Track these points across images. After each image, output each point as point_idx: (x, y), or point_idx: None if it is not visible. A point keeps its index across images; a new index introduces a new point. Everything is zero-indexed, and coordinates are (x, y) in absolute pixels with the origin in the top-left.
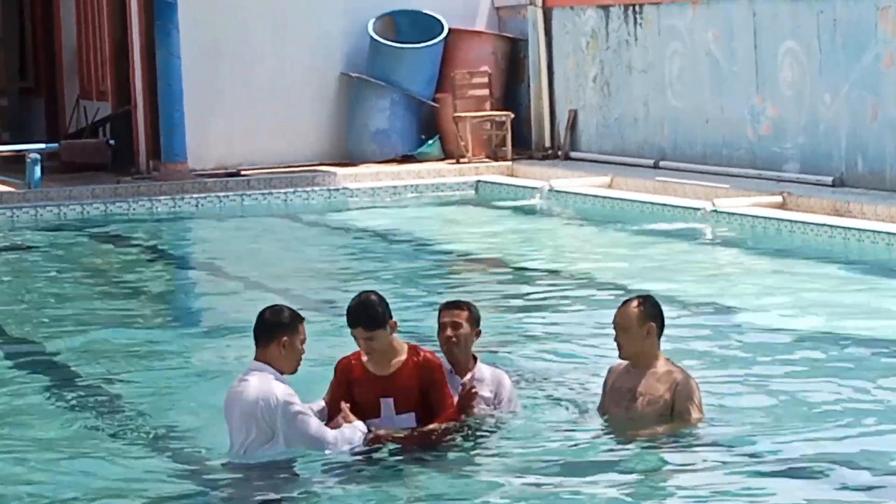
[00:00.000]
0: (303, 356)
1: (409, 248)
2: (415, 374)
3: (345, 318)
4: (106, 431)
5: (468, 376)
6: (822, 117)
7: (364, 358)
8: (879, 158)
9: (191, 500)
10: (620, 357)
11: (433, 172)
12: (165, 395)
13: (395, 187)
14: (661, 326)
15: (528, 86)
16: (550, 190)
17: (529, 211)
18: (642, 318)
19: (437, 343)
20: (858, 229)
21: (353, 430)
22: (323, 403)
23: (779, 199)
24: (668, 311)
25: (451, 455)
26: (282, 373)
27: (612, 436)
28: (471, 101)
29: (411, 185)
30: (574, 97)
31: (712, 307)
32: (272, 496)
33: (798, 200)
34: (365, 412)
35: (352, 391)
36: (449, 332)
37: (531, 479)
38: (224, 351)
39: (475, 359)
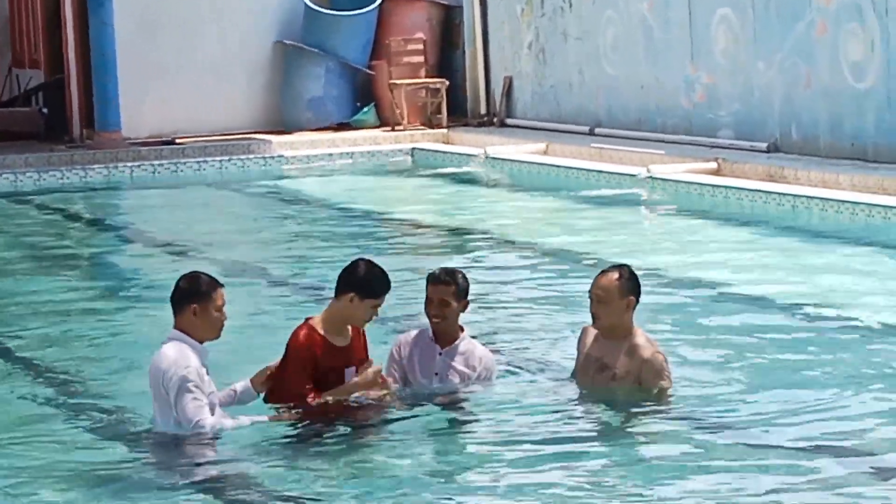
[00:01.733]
0: (223, 322)
1: (345, 215)
2: (360, 337)
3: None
4: (39, 401)
5: (451, 346)
6: (757, 85)
7: (321, 331)
8: (813, 125)
9: (116, 468)
10: (595, 327)
11: (369, 140)
12: (99, 365)
13: (330, 155)
14: (638, 299)
15: (464, 53)
16: (486, 157)
17: (465, 178)
18: (623, 291)
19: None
20: (792, 195)
21: (236, 422)
22: (247, 384)
23: (713, 165)
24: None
25: (401, 426)
26: (200, 341)
27: (582, 406)
28: (406, 69)
29: (346, 153)
30: (509, 64)
31: (648, 272)
32: (210, 470)
33: (732, 166)
34: (331, 383)
35: (320, 366)
36: (435, 309)
37: (499, 450)
38: (159, 321)
39: (462, 329)
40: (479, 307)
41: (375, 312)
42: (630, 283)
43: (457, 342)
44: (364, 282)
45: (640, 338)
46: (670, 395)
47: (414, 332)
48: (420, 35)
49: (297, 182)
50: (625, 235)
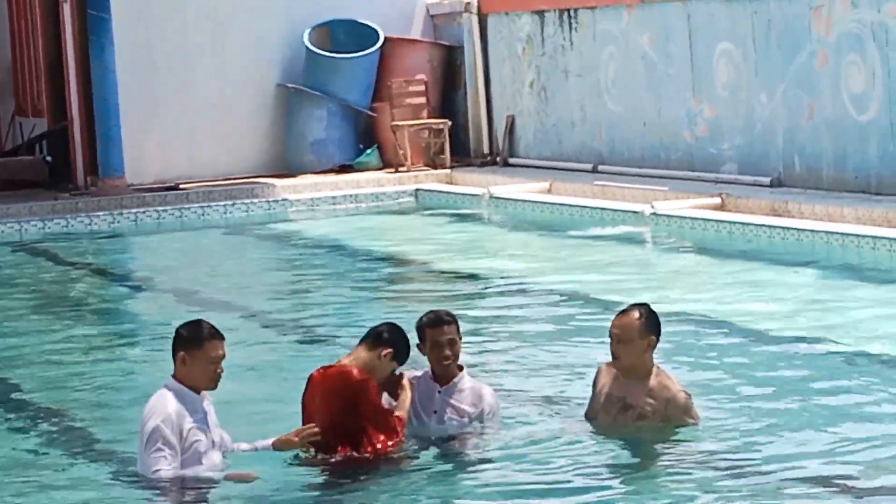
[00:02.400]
0: (218, 373)
1: (351, 258)
2: None
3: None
4: (47, 453)
5: (450, 384)
6: (759, 118)
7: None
8: (816, 157)
9: None
10: (616, 367)
11: (372, 182)
12: (103, 410)
13: (334, 197)
14: (659, 338)
15: (465, 93)
16: (490, 197)
17: (470, 218)
18: (644, 331)
19: (427, 357)
20: (797, 229)
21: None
22: (267, 444)
23: (717, 200)
24: (609, 314)
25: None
26: (195, 390)
27: (602, 444)
28: (408, 110)
29: (350, 195)
30: (511, 103)
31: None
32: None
33: (737, 201)
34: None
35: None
36: (447, 351)
37: (519, 490)
38: (165, 367)
39: (461, 368)
40: (487, 347)
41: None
42: (650, 322)
43: (455, 380)
44: (404, 344)
45: (663, 376)
46: (693, 435)
47: (417, 373)
48: (421, 76)
49: (301, 225)
50: (631, 273)
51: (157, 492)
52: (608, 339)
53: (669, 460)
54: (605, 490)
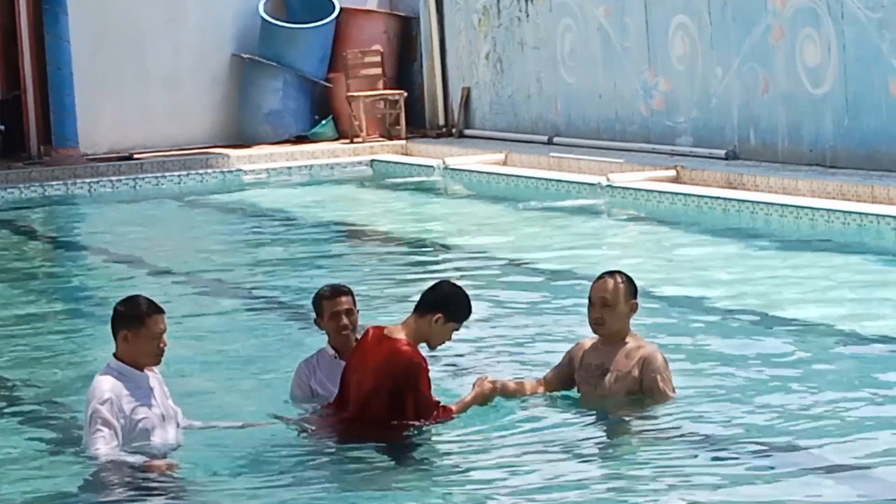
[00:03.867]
0: (161, 348)
1: (306, 229)
2: None
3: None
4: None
5: None
6: (714, 91)
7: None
8: (771, 131)
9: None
10: (599, 333)
11: (327, 153)
12: (53, 381)
13: (289, 168)
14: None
15: (421, 64)
16: (445, 168)
17: (425, 189)
18: (627, 295)
19: (326, 330)
20: (752, 201)
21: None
22: (237, 424)
23: (673, 172)
24: (567, 288)
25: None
26: (139, 367)
27: (582, 416)
28: (364, 81)
29: (306, 166)
30: (467, 75)
31: None
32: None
33: (692, 174)
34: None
35: None
36: (345, 320)
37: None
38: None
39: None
40: None
41: (450, 337)
42: (631, 286)
43: None
44: (453, 305)
45: (637, 339)
46: (669, 405)
47: (311, 356)
48: (377, 47)
49: (256, 195)
50: (586, 245)
51: (95, 469)
52: (580, 312)
53: (646, 437)
54: (584, 464)
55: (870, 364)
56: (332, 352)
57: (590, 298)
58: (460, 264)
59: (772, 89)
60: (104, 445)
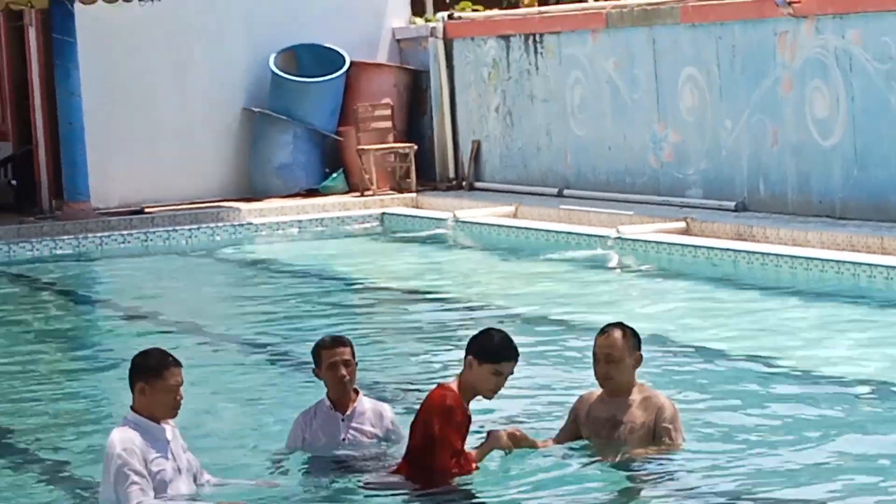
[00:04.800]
0: (178, 401)
1: (317, 282)
2: None
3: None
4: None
5: (350, 409)
6: (724, 143)
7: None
8: (781, 182)
9: None
10: (606, 388)
11: (338, 206)
12: (68, 437)
13: (300, 221)
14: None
15: (431, 117)
16: (456, 220)
17: (436, 242)
18: (632, 348)
19: (324, 380)
20: (762, 253)
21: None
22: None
23: (682, 224)
24: (578, 340)
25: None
26: (155, 420)
27: (597, 466)
28: (374, 134)
29: (316, 219)
30: (477, 127)
31: None
32: None
33: (702, 226)
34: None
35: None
36: (343, 371)
37: None
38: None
39: (356, 392)
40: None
41: (500, 382)
42: (635, 339)
43: (355, 404)
44: (480, 344)
45: (645, 389)
46: (679, 452)
47: (310, 407)
48: (387, 100)
49: (267, 249)
50: (597, 297)
51: None
52: (590, 362)
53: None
54: None
55: (871, 413)
56: (328, 403)
57: (595, 354)
58: (470, 317)
59: (781, 140)
60: (144, 496)
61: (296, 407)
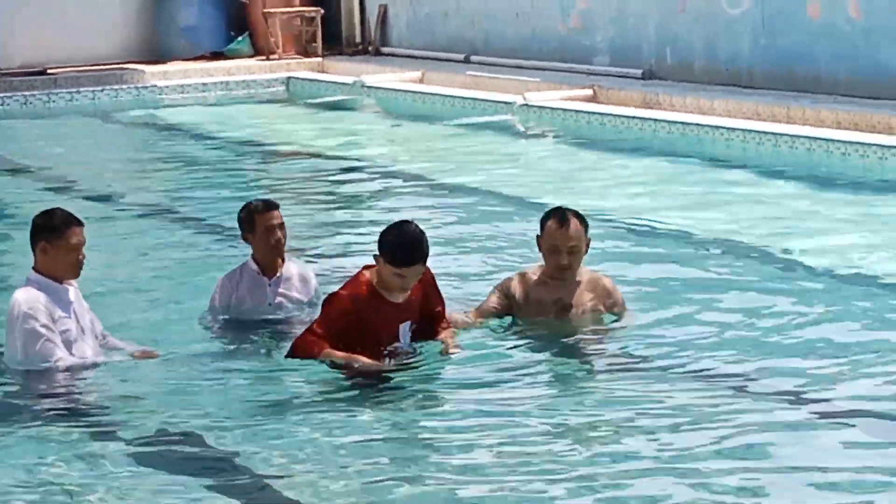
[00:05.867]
0: (80, 261)
1: (221, 145)
2: (419, 289)
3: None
4: None
5: (277, 274)
6: (631, 10)
7: (380, 288)
8: (688, 50)
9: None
10: (564, 278)
11: (243, 69)
12: None
13: (204, 84)
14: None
15: None
16: (362, 85)
17: (341, 106)
18: (586, 235)
19: (254, 244)
20: (668, 121)
21: (85, 361)
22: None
23: (589, 91)
24: (481, 204)
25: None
26: (58, 280)
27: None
28: None
29: (221, 83)
30: None
31: (529, 201)
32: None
33: (608, 93)
34: (383, 340)
35: (368, 322)
36: (279, 234)
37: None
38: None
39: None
40: (361, 239)
41: (406, 283)
42: (585, 223)
43: (282, 270)
44: (389, 244)
45: (587, 270)
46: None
47: (234, 270)
48: None
49: (171, 112)
50: (502, 163)
51: (73, 378)
52: (499, 228)
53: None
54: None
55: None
56: (255, 267)
57: (554, 245)
58: (375, 183)
59: (689, 8)
60: (61, 353)
61: (200, 270)
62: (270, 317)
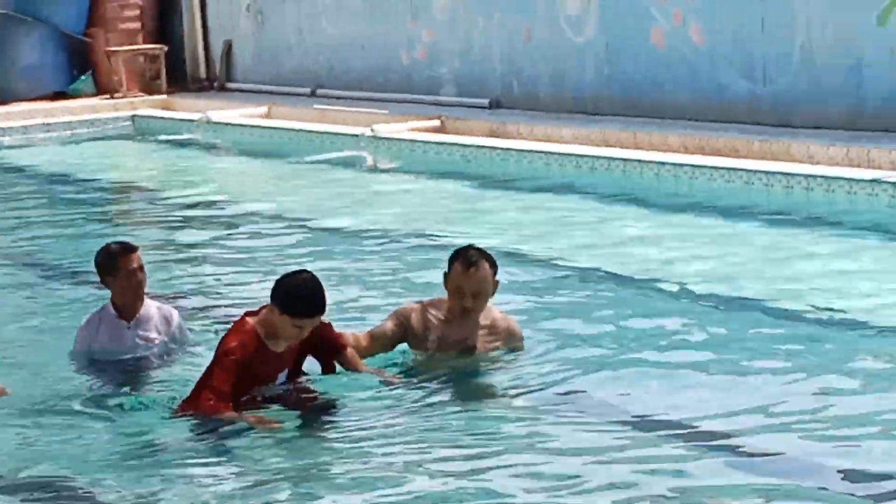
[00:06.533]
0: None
1: (67, 187)
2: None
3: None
4: None
5: (136, 317)
6: (477, 41)
7: (265, 338)
8: (534, 79)
9: None
10: (468, 318)
11: (87, 108)
12: None
13: (48, 125)
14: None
15: (182, 17)
16: (208, 122)
17: (187, 144)
18: (494, 277)
19: (114, 289)
20: (516, 150)
21: None
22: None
23: (437, 122)
24: (332, 241)
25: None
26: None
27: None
28: (123, 35)
29: (65, 122)
30: (228, 27)
31: (377, 232)
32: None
33: (456, 123)
34: (261, 384)
35: (253, 371)
36: (140, 276)
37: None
38: None
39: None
40: (207, 274)
41: (303, 333)
42: (495, 266)
43: (142, 311)
44: (286, 294)
45: (493, 311)
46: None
47: (91, 316)
48: (137, 0)
49: (13, 154)
50: (350, 196)
51: None
52: (353, 260)
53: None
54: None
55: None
56: (113, 311)
57: (459, 287)
58: (223, 219)
59: (534, 38)
60: None
61: (50, 314)
62: (130, 358)
